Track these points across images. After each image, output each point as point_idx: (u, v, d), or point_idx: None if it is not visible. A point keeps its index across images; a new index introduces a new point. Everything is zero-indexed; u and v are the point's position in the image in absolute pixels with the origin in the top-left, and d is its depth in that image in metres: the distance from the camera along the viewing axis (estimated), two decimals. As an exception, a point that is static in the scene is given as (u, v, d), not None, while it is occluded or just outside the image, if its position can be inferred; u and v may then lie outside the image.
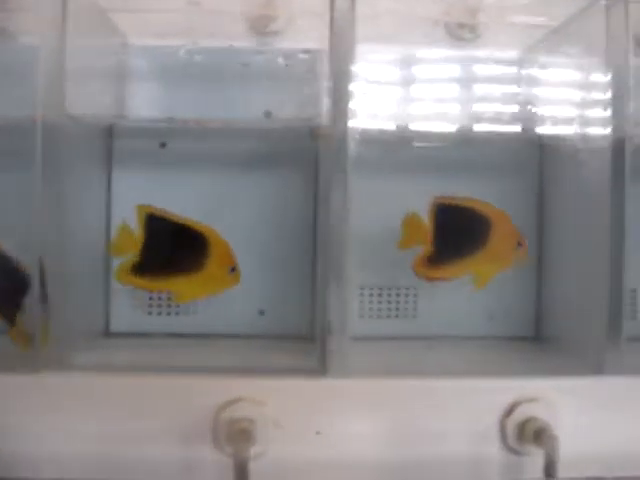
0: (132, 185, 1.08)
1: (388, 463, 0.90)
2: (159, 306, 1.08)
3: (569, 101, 1.04)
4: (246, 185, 1.09)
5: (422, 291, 1.11)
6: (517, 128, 1.11)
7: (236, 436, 0.85)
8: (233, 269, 0.99)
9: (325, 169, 0.90)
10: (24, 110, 0.86)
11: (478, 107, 1.12)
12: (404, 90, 1.10)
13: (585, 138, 0.98)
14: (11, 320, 0.90)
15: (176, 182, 1.08)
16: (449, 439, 0.91)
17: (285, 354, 1.00)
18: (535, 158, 1.12)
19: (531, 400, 0.91)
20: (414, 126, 1.10)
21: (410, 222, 1.00)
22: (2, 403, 0.86)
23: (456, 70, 1.14)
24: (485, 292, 1.06)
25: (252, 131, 1.08)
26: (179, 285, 0.99)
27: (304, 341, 1.01)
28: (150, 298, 1.07)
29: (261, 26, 1.12)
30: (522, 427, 0.90)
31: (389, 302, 1.11)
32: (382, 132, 1.05)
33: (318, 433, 0.89)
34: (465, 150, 1.10)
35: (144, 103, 1.09)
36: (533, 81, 1.11)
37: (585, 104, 0.98)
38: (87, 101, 0.99)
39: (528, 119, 1.10)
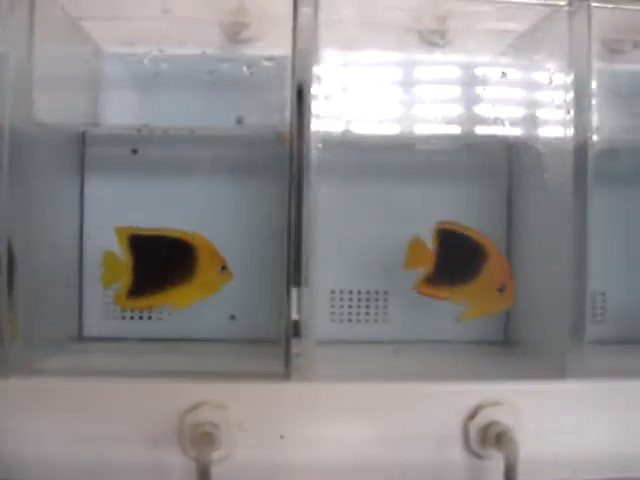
0: (104, 191, 1.09)
1: (352, 467, 0.90)
2: (132, 311, 1.08)
3: (536, 105, 1.04)
4: (217, 191, 1.09)
5: (393, 295, 1.11)
6: (487, 132, 1.11)
7: (199, 440, 0.86)
8: (223, 267, 1.00)
9: (289, 174, 0.90)
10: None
11: (448, 111, 1.12)
12: (374, 95, 1.10)
13: (549, 142, 0.98)
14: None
15: (148, 189, 1.09)
16: (413, 443, 0.91)
17: (254, 358, 1.01)
18: (504, 162, 1.12)
19: (495, 404, 0.91)
20: (384, 130, 1.09)
21: (414, 246, 1.04)
22: (-29, 408, 0.87)
23: (427, 74, 1.13)
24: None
25: (223, 138, 1.08)
26: (177, 296, 1.01)
27: (274, 345, 1.01)
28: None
29: (233, 33, 1.12)
30: (485, 431, 0.90)
31: (359, 306, 1.11)
32: (348, 137, 1.04)
33: (282, 437, 0.90)
34: (435, 154, 1.09)
35: (116, 110, 1.09)
36: (502, 86, 1.10)
37: (550, 108, 0.98)
38: (58, 108, 1.00)
39: (497, 123, 1.09)
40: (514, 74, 1.09)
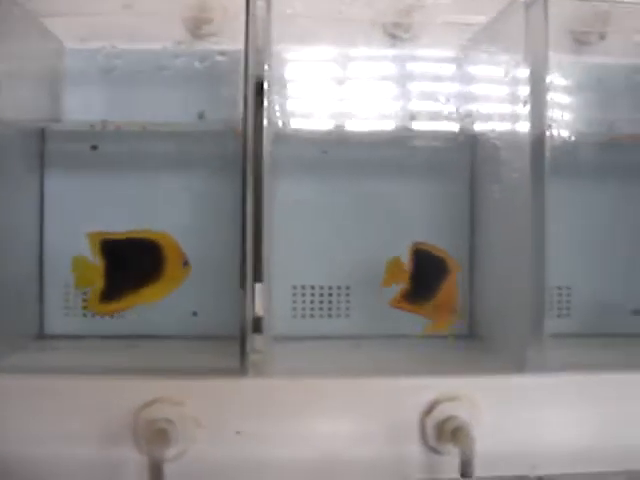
0: (64, 188, 1.08)
1: (307, 463, 0.90)
2: (94, 307, 1.08)
3: (496, 99, 1.03)
4: (177, 187, 1.09)
5: (355, 290, 1.10)
6: (450, 127, 1.10)
7: (153, 436, 0.85)
8: (185, 263, 0.99)
9: (242, 170, 0.90)
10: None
11: (412, 106, 1.12)
12: (335, 89, 1.09)
13: (507, 136, 0.97)
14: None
15: (108, 184, 1.08)
16: (370, 438, 0.90)
17: (215, 355, 1.00)
18: (467, 157, 1.12)
19: (452, 399, 0.91)
20: (346, 126, 1.09)
21: (392, 264, 1.05)
22: None
23: (391, 69, 1.13)
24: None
25: (183, 133, 1.07)
26: (147, 295, 1.01)
27: (235, 342, 1.01)
28: (84, 300, 1.06)
29: (194, 28, 1.11)
30: (441, 426, 0.89)
31: (321, 302, 1.11)
32: (307, 132, 1.04)
33: (238, 433, 0.89)
34: (399, 150, 1.09)
35: (77, 106, 1.09)
36: (465, 80, 1.10)
37: (508, 102, 0.98)
38: (17, 105, 0.99)
39: (460, 118, 1.09)
40: (474, 68, 1.08)
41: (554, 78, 1.10)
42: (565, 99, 1.10)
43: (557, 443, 0.93)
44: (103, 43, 1.09)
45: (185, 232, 1.05)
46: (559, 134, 0.99)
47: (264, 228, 0.90)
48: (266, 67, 0.90)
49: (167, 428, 0.86)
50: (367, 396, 0.91)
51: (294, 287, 1.12)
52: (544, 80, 0.92)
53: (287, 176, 1.03)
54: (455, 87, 1.12)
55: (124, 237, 0.99)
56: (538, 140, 0.91)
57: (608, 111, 1.13)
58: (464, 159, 1.13)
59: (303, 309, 1.12)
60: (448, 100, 1.12)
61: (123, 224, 1.01)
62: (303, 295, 1.12)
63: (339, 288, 1.12)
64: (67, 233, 1.03)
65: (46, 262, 1.08)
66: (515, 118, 0.96)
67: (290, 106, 1.09)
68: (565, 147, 0.99)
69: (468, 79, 1.11)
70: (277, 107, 0.99)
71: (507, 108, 0.98)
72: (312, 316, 1.12)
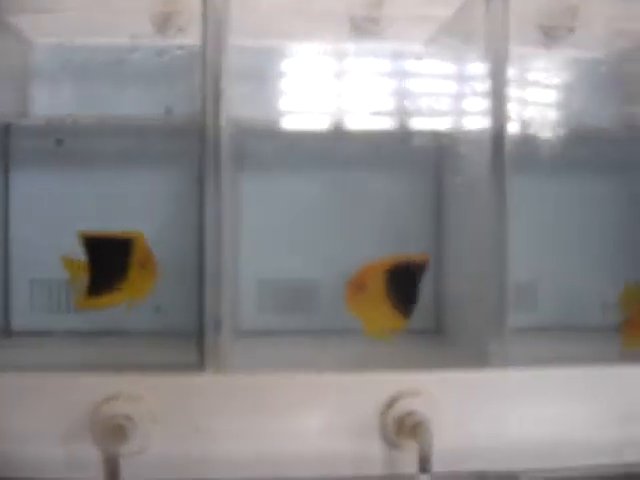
0: (30, 183, 1.07)
1: (267, 459, 0.89)
2: (59, 304, 1.08)
3: (458, 94, 1.03)
4: (143, 182, 1.08)
5: (323, 284, 1.10)
6: (415, 123, 1.10)
7: (110, 432, 0.85)
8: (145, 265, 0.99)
9: (198, 165, 0.89)
10: None
11: (378, 102, 1.11)
12: (296, 84, 1.09)
13: (470, 131, 0.97)
14: None
15: (73, 180, 1.08)
16: (330, 433, 0.90)
17: (177, 350, 1.00)
18: (432, 152, 1.11)
19: (412, 394, 0.90)
20: (310, 121, 1.09)
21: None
22: None
23: (358, 64, 1.12)
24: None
25: (149, 128, 1.07)
26: (129, 292, 1.00)
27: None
28: (50, 296, 1.06)
29: (163, 23, 1.11)
30: (401, 421, 0.89)
31: (288, 296, 1.10)
32: (269, 126, 1.04)
33: (197, 429, 0.88)
34: (364, 145, 1.09)
35: (43, 102, 1.08)
36: (428, 75, 1.09)
37: (470, 97, 0.97)
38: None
39: (422, 114, 1.09)
40: (438, 63, 1.08)
41: (522, 72, 1.08)
42: (529, 93, 1.09)
43: (519, 439, 0.93)
44: (70, 39, 1.08)
45: (151, 227, 1.05)
46: (522, 128, 0.97)
47: (223, 223, 0.89)
48: (226, 61, 0.88)
49: (124, 424, 0.85)
50: (327, 391, 0.91)
51: (260, 282, 1.10)
52: (504, 74, 0.91)
53: (252, 170, 1.02)
54: (418, 82, 1.10)
55: (104, 235, 0.99)
56: (498, 135, 0.91)
57: (575, 105, 1.12)
58: (430, 155, 1.11)
59: (269, 304, 1.11)
60: (411, 96, 1.10)
61: (90, 220, 1.00)
62: (269, 290, 1.10)
63: (306, 283, 1.11)
64: (33, 229, 1.02)
65: (11, 259, 1.07)
66: (476, 113, 0.94)
67: (255, 100, 1.07)
68: (529, 141, 0.97)
69: (431, 74, 1.10)
70: (241, 101, 0.97)
71: (469, 103, 0.97)
72: (279, 311, 1.11)
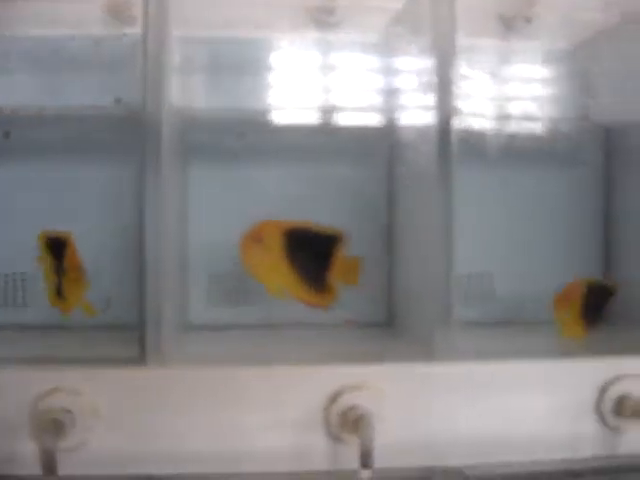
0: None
1: (209, 453, 0.89)
2: (5, 298, 1.06)
3: (407, 86, 1.02)
4: (90, 173, 1.07)
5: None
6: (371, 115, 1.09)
7: (47, 426, 0.84)
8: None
9: (140, 156, 0.88)
10: None
11: (334, 94, 1.10)
12: (256, 75, 1.08)
13: (418, 122, 0.96)
14: None
15: (21, 172, 1.06)
16: (273, 428, 0.89)
17: (124, 344, 0.98)
18: (386, 144, 1.10)
19: (357, 388, 0.89)
20: (265, 112, 1.08)
21: None
22: None
23: (311, 56, 1.11)
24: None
25: (97, 118, 1.06)
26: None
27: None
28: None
29: (118, 12, 1.10)
30: (345, 415, 0.88)
31: (238, 289, 1.09)
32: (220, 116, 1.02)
33: (137, 423, 0.87)
34: (320, 138, 1.08)
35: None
36: (381, 68, 1.09)
37: (418, 89, 0.96)
38: None
39: (378, 107, 1.08)
40: (389, 55, 1.07)
41: (480, 63, 1.08)
42: (485, 85, 1.08)
43: (466, 433, 0.92)
44: (20, 29, 1.06)
45: (99, 219, 1.04)
46: (476, 121, 0.96)
47: (165, 215, 0.88)
48: (165, 51, 0.87)
49: (61, 418, 0.84)
50: (270, 385, 0.90)
51: (211, 275, 1.09)
52: (450, 67, 0.90)
53: (201, 162, 1.01)
54: (372, 75, 1.09)
55: (58, 235, 0.98)
56: (444, 128, 0.90)
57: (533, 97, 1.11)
58: (380, 148, 1.10)
59: (218, 297, 1.10)
60: (366, 88, 1.09)
61: (39, 213, 0.98)
62: (218, 283, 1.09)
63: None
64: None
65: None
66: (425, 105, 0.94)
67: (205, 91, 1.06)
68: (482, 134, 0.96)
69: (383, 66, 1.09)
70: (188, 92, 0.96)
71: (418, 95, 0.96)
72: (228, 304, 1.10)
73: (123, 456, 0.88)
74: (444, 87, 0.90)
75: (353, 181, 1.09)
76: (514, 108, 1.11)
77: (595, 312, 1.00)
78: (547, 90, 1.13)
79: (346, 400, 0.89)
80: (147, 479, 0.87)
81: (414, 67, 1.00)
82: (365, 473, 0.84)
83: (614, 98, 1.11)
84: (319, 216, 1.02)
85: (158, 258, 0.87)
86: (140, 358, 0.88)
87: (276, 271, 0.96)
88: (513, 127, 1.08)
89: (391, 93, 1.08)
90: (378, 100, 1.09)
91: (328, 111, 1.10)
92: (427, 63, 0.94)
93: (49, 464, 0.81)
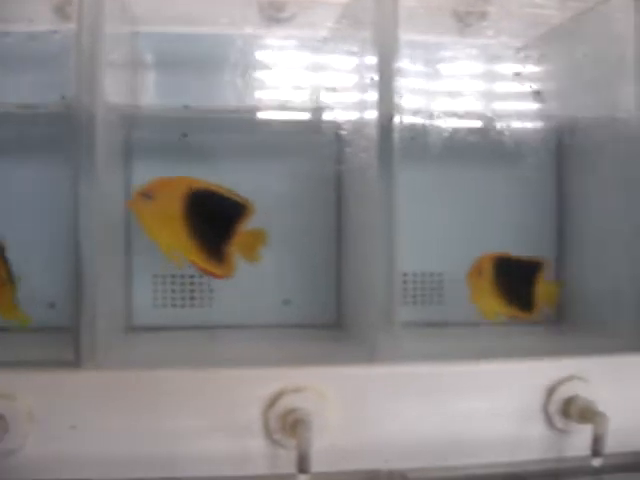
0: None
1: (145, 458, 0.87)
2: None
3: (349, 84, 1.01)
4: (26, 173, 1.05)
5: (217, 279, 1.07)
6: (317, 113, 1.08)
7: (-22, 432, 0.82)
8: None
9: (73, 153, 0.86)
10: None
11: (282, 92, 1.09)
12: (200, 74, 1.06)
13: (361, 122, 0.95)
14: None
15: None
16: (211, 432, 0.88)
17: (67, 347, 0.96)
18: (334, 143, 1.09)
19: (297, 390, 0.87)
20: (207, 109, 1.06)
21: None
22: None
23: (262, 53, 1.09)
24: (282, 278, 1.03)
25: (42, 116, 1.03)
26: None
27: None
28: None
29: (59, 9, 1.08)
30: (284, 418, 0.86)
31: (183, 291, 1.07)
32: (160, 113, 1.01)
33: (73, 427, 0.86)
34: (265, 136, 1.06)
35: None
36: (322, 65, 1.07)
37: (360, 87, 0.95)
38: None
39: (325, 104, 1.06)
40: (333, 51, 1.05)
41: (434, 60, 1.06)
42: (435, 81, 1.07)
43: (409, 436, 0.91)
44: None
45: (38, 222, 1.02)
46: (421, 118, 0.94)
47: (98, 214, 0.86)
48: (99, 46, 0.86)
49: (-5, 423, 0.82)
50: (209, 387, 0.88)
51: (155, 276, 1.07)
52: (392, 63, 0.88)
53: (145, 160, 0.99)
54: (316, 71, 1.08)
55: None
56: (385, 125, 0.88)
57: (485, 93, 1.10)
58: (332, 146, 1.09)
59: (164, 298, 1.08)
60: (314, 85, 1.08)
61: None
62: (164, 284, 1.08)
63: (202, 277, 1.08)
64: None
65: None
66: (367, 103, 0.92)
67: (152, 88, 1.05)
68: (428, 131, 0.95)
69: (324, 63, 1.07)
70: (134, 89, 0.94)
71: (360, 93, 0.95)
72: (174, 306, 1.08)
73: (59, 461, 0.86)
74: (385, 84, 0.88)
75: (301, 178, 1.07)
76: (462, 105, 1.09)
77: (511, 288, 0.98)
78: (497, 87, 1.11)
79: (285, 403, 0.87)
80: (82, 484, 0.85)
81: (358, 64, 0.97)
82: (302, 478, 0.82)
83: (564, 96, 1.10)
84: (267, 214, 1.00)
85: (92, 260, 0.85)
86: (75, 361, 0.86)
87: (170, 231, 0.92)
88: (463, 124, 1.06)
89: (335, 90, 1.06)
90: (324, 97, 1.07)
91: (275, 109, 1.07)
92: (370, 60, 0.91)
93: (-21, 470, 0.79)
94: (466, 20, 1.13)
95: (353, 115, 1.02)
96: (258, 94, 1.10)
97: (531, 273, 0.98)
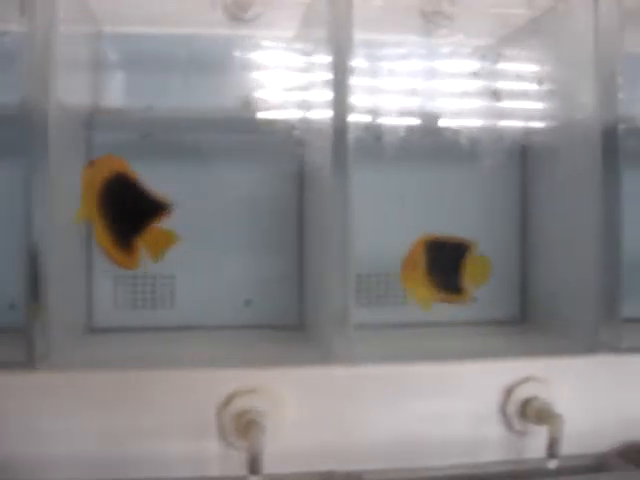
0: None
1: (100, 459, 0.87)
2: None
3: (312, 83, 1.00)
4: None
5: (180, 280, 1.07)
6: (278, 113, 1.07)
7: None
8: None
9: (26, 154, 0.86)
10: None
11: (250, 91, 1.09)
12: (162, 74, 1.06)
13: (316, 123, 0.95)
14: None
15: None
16: (166, 433, 0.87)
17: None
18: (294, 144, 1.08)
19: (251, 391, 0.87)
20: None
21: None
22: None
23: (228, 53, 1.09)
24: (244, 279, 1.03)
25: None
26: None
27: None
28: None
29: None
30: (238, 420, 0.86)
31: (144, 292, 1.07)
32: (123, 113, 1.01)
33: (27, 429, 0.85)
34: (232, 136, 1.06)
35: None
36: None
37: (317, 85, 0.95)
38: None
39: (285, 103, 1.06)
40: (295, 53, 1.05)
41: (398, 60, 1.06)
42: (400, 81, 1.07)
43: (364, 437, 0.90)
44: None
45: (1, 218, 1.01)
46: (380, 118, 0.94)
47: (54, 215, 0.86)
48: (51, 46, 0.85)
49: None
50: (164, 388, 0.88)
51: (116, 277, 1.07)
52: (346, 64, 0.88)
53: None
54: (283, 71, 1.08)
55: None
56: (339, 125, 0.88)
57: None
58: (286, 146, 1.09)
59: (125, 299, 1.08)
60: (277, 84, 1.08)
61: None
62: (125, 285, 1.07)
63: (164, 278, 1.08)
64: None
65: None
66: (323, 102, 0.92)
67: (114, 88, 1.04)
68: (386, 131, 0.95)
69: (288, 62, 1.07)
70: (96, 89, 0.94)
71: (318, 92, 0.95)
72: (135, 307, 1.08)
73: (12, 463, 0.86)
74: (339, 83, 0.88)
75: (262, 179, 1.07)
76: (418, 104, 1.09)
77: (442, 272, 0.97)
78: (457, 86, 1.11)
79: (240, 404, 0.87)
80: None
81: (318, 62, 0.97)
82: (253, 479, 0.82)
83: (526, 96, 1.10)
84: (223, 215, 1.00)
85: (46, 261, 0.85)
86: (28, 362, 0.85)
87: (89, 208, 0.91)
88: (421, 124, 1.06)
89: (295, 90, 1.06)
90: (286, 97, 1.06)
91: (241, 108, 1.07)
92: (325, 59, 0.91)
93: None
94: (433, 20, 1.12)
95: (309, 115, 1.01)
96: (222, 94, 1.08)
97: (460, 256, 0.96)
